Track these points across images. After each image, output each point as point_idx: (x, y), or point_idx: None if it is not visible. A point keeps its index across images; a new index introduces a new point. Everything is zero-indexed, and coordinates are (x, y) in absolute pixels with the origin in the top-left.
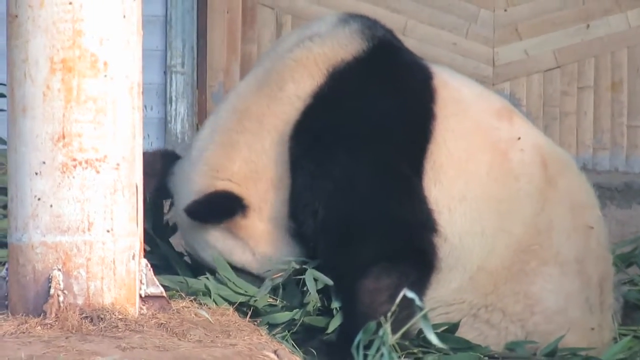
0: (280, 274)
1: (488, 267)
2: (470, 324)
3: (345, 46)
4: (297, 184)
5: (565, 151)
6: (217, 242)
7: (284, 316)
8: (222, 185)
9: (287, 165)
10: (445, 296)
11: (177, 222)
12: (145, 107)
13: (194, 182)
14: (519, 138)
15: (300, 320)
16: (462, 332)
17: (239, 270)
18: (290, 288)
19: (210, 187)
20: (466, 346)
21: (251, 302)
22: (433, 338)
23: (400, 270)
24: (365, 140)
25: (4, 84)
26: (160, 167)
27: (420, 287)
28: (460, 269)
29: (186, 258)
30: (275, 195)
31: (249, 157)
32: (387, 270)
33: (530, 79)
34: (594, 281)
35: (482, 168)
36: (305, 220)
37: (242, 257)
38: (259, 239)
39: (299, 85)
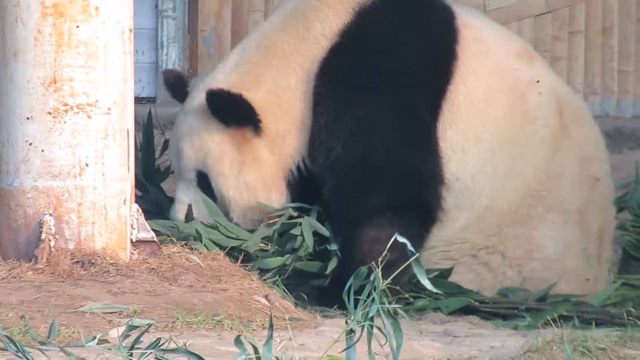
0: (276, 220)
1: (495, 208)
2: (468, 265)
3: None
4: (319, 121)
5: (582, 100)
6: (211, 143)
7: (276, 261)
8: (247, 96)
9: (311, 105)
10: (449, 235)
11: (177, 120)
12: (136, 51)
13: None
14: (538, 81)
15: (292, 266)
16: (459, 273)
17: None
18: (284, 234)
19: (235, 90)
20: (458, 291)
21: (243, 247)
22: (426, 283)
23: (404, 223)
24: (390, 81)
25: None
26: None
27: (419, 241)
28: (468, 208)
29: None
30: (295, 137)
31: (274, 90)
32: (391, 222)
33: (522, 23)
34: (593, 233)
35: (500, 109)
36: (318, 157)
37: (225, 170)
38: (254, 166)
39: (325, 25)
